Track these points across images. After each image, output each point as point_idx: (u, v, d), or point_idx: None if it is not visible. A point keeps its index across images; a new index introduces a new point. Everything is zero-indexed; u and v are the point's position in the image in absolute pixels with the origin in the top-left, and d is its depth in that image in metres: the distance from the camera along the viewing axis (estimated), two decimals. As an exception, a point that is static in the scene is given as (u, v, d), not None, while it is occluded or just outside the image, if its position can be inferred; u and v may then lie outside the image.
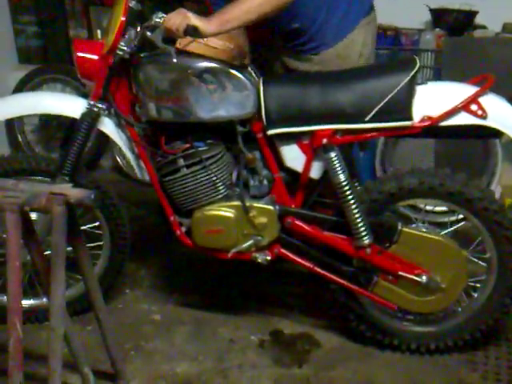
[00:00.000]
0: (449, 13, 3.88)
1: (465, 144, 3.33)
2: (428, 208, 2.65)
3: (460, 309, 2.58)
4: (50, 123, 4.27)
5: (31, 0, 4.46)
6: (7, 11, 4.50)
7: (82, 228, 2.65)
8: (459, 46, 3.64)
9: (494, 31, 3.79)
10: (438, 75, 3.65)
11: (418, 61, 2.30)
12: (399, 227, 2.40)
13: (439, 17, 3.93)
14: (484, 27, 3.87)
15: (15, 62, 4.62)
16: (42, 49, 4.57)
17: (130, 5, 2.32)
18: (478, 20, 3.89)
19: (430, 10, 3.95)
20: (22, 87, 4.26)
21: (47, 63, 4.48)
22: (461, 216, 2.51)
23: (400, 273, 2.43)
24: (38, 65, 4.43)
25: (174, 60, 2.23)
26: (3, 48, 4.47)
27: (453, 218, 2.60)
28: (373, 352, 2.60)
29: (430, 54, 3.78)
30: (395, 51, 3.90)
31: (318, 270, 2.53)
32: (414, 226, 2.50)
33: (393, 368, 2.51)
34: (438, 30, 3.87)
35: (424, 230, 2.47)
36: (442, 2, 3.92)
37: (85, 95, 2.55)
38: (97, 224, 2.73)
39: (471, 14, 3.86)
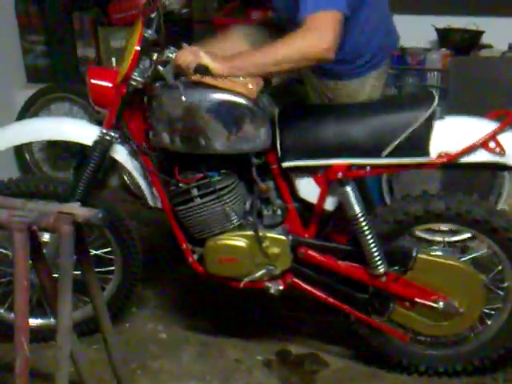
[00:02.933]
0: (455, 32, 3.90)
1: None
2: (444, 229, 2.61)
3: (473, 335, 2.55)
4: (57, 142, 4.27)
5: (40, 19, 4.48)
6: (16, 30, 4.53)
7: (95, 253, 2.68)
8: (465, 65, 3.65)
9: (501, 50, 3.79)
10: (445, 95, 3.65)
11: (436, 96, 2.27)
12: (414, 254, 2.37)
13: (445, 36, 3.94)
14: (490, 46, 3.88)
15: (23, 80, 4.63)
16: (50, 68, 4.56)
17: (146, 35, 2.30)
18: (484, 39, 3.90)
19: (436, 29, 3.96)
20: (29, 106, 4.26)
21: (55, 82, 4.49)
22: (469, 234, 2.48)
23: (416, 299, 2.41)
24: (46, 84, 4.44)
25: (183, 98, 2.22)
26: (12, 67, 4.48)
27: (469, 242, 2.57)
28: (380, 373, 2.59)
29: (436, 73, 3.79)
30: (401, 71, 3.90)
31: (332, 300, 2.51)
32: (431, 249, 2.47)
33: (400, 389, 2.51)
34: (444, 49, 3.88)
35: (440, 253, 2.44)
36: (448, 21, 3.93)
37: (99, 122, 2.52)
38: (109, 250, 2.73)
39: (477, 34, 3.87)
